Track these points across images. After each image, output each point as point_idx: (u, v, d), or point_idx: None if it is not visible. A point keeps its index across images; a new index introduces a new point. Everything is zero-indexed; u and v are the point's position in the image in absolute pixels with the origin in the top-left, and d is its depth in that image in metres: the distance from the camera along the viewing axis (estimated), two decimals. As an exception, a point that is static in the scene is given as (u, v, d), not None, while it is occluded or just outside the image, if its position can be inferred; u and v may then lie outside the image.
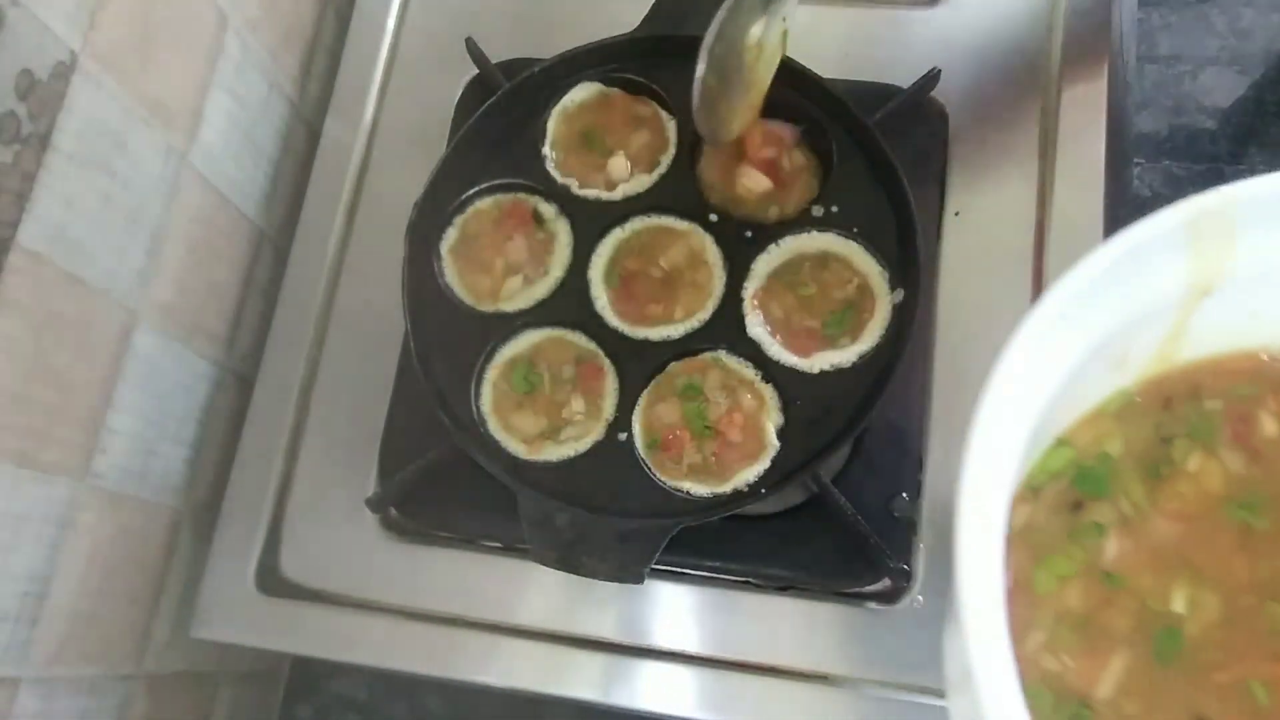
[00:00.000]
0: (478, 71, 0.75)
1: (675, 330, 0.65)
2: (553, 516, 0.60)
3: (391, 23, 0.81)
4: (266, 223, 0.78)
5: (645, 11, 0.70)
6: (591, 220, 0.68)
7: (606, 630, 0.65)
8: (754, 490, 0.62)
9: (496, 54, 0.74)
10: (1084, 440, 0.49)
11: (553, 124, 0.71)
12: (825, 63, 0.68)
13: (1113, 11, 0.72)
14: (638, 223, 0.68)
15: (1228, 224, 0.42)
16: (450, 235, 0.69)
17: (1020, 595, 0.46)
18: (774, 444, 0.63)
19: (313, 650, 0.67)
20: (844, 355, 0.64)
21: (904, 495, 0.63)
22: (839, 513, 0.62)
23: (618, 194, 0.69)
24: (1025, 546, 0.47)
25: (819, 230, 0.66)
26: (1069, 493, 0.48)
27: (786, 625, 0.63)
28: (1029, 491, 0.48)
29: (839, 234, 0.66)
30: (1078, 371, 0.45)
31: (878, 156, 0.66)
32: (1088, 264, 0.42)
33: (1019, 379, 0.43)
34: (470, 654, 0.65)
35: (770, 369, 0.64)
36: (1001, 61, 0.73)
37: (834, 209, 0.66)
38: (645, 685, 0.63)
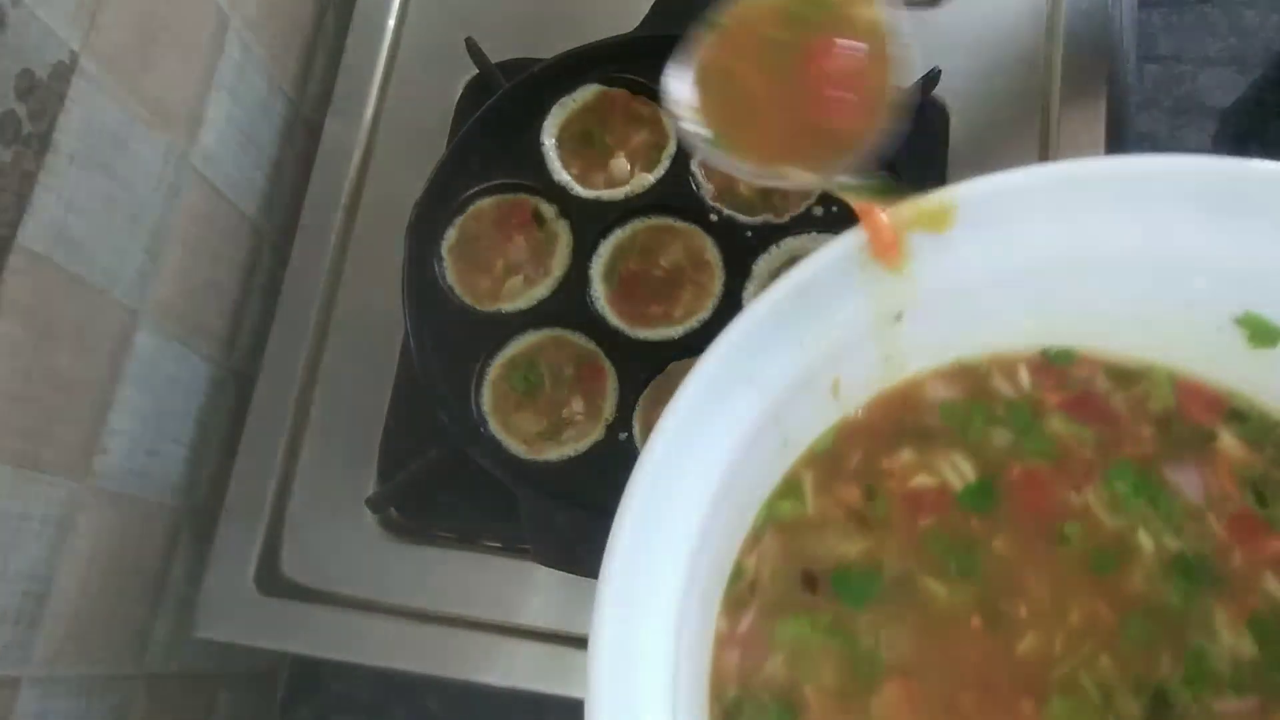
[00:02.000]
0: (478, 71, 0.75)
1: (675, 330, 0.65)
2: (553, 516, 0.60)
3: (391, 23, 0.81)
4: (266, 223, 0.78)
5: (645, 11, 0.70)
6: (592, 220, 0.68)
7: (606, 630, 0.65)
8: (754, 490, 0.62)
9: (496, 54, 0.74)
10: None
11: (553, 124, 0.71)
12: (825, 63, 0.68)
13: (1113, 11, 0.72)
14: (638, 223, 0.68)
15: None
16: (450, 235, 0.69)
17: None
18: (774, 444, 0.63)
19: (313, 650, 0.67)
20: (844, 355, 0.64)
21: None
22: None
23: (618, 194, 0.69)
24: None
25: (820, 231, 0.66)
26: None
27: (786, 625, 0.63)
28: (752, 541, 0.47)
29: (839, 234, 0.66)
30: (764, 426, 0.44)
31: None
32: (748, 317, 0.42)
33: (673, 465, 0.42)
34: (470, 654, 0.65)
35: (770, 369, 0.64)
36: (1001, 61, 0.73)
37: (834, 209, 0.66)
38: (645, 685, 0.63)
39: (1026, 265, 0.45)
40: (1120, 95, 0.71)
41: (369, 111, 0.79)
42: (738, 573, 0.46)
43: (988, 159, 0.71)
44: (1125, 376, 0.48)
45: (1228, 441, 0.47)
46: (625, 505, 0.40)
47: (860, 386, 0.48)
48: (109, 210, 0.60)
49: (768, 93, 0.42)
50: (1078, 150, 0.69)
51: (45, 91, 0.54)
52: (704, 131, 0.41)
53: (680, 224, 0.68)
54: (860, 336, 0.45)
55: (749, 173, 0.42)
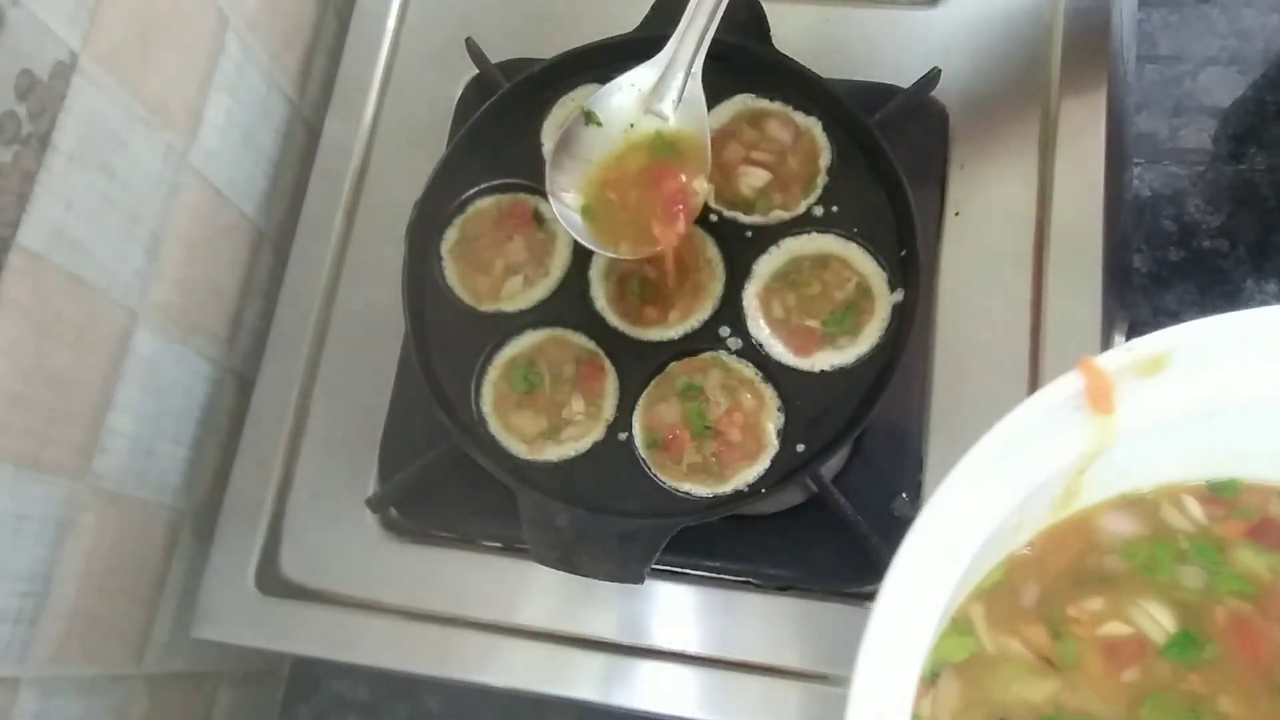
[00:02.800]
0: (478, 71, 0.75)
1: (675, 330, 0.65)
2: (553, 516, 0.60)
3: (391, 23, 0.81)
4: (266, 223, 0.78)
5: (645, 12, 0.70)
6: (591, 220, 0.68)
7: (606, 630, 0.65)
8: (754, 490, 0.62)
9: (496, 54, 0.74)
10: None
11: (553, 124, 0.71)
12: (825, 63, 0.68)
13: (1113, 11, 0.72)
14: (638, 223, 0.68)
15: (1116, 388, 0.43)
16: (450, 235, 0.69)
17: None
18: (774, 444, 0.63)
19: (313, 650, 0.67)
20: (844, 355, 0.64)
21: (904, 495, 0.63)
22: (839, 513, 0.62)
23: (618, 194, 0.69)
24: None
25: (819, 230, 0.66)
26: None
27: (786, 625, 0.63)
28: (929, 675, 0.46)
29: (839, 234, 0.66)
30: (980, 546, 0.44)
31: (878, 156, 0.66)
32: (990, 439, 0.42)
33: (931, 555, 0.42)
34: (470, 654, 0.65)
35: (770, 369, 0.64)
36: (1001, 61, 0.73)
37: (834, 209, 0.66)
38: (645, 685, 0.63)
39: (1218, 405, 0.44)
40: (1120, 95, 0.71)
41: (369, 111, 0.79)
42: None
43: (988, 159, 0.71)
44: None
45: None
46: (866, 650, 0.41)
47: (1034, 522, 0.48)
48: (108, 210, 0.60)
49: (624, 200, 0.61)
50: (1078, 150, 0.69)
51: (45, 91, 0.54)
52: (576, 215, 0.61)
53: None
54: (1057, 476, 0.45)
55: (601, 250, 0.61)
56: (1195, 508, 0.48)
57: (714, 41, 0.69)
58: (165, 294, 0.67)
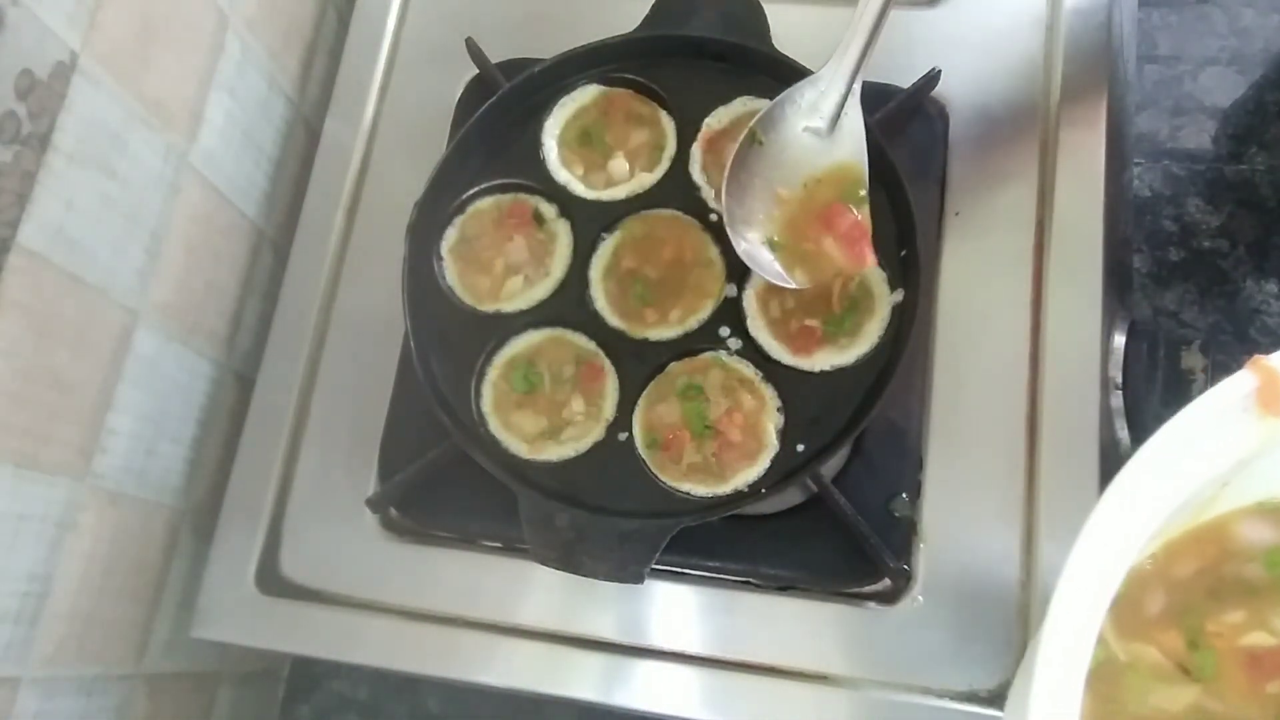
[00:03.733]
0: (478, 71, 0.75)
1: (675, 330, 0.65)
2: (553, 516, 0.60)
3: (391, 23, 0.81)
4: (266, 223, 0.78)
5: (645, 11, 0.70)
6: (592, 220, 0.68)
7: (606, 630, 0.65)
8: (754, 490, 0.62)
9: (496, 54, 0.74)
10: None
11: (552, 124, 0.71)
12: (825, 63, 0.68)
13: (1113, 11, 0.72)
14: (638, 223, 0.68)
15: None
16: (450, 235, 0.69)
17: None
18: (774, 444, 0.63)
19: (313, 650, 0.67)
20: (844, 355, 0.64)
21: (904, 495, 0.63)
22: (839, 513, 0.62)
23: (618, 194, 0.69)
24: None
25: (819, 230, 0.66)
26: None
27: (786, 625, 0.63)
28: None
29: (839, 234, 0.66)
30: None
31: (878, 156, 0.66)
32: (1165, 435, 0.42)
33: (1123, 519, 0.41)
34: (470, 654, 0.65)
35: (770, 369, 0.64)
36: (1001, 61, 0.73)
37: (834, 209, 0.66)
38: (645, 685, 0.63)
39: None
40: (1120, 95, 0.71)
41: (369, 111, 0.79)
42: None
43: (988, 159, 0.71)
44: None
45: None
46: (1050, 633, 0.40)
47: (1165, 531, 0.47)
48: (108, 210, 0.60)
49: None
50: (1078, 150, 0.69)
51: (45, 91, 0.54)
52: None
53: (680, 225, 0.68)
54: (1215, 480, 0.45)
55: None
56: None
57: (714, 41, 0.69)
58: (165, 294, 0.67)
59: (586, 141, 0.70)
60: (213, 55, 0.69)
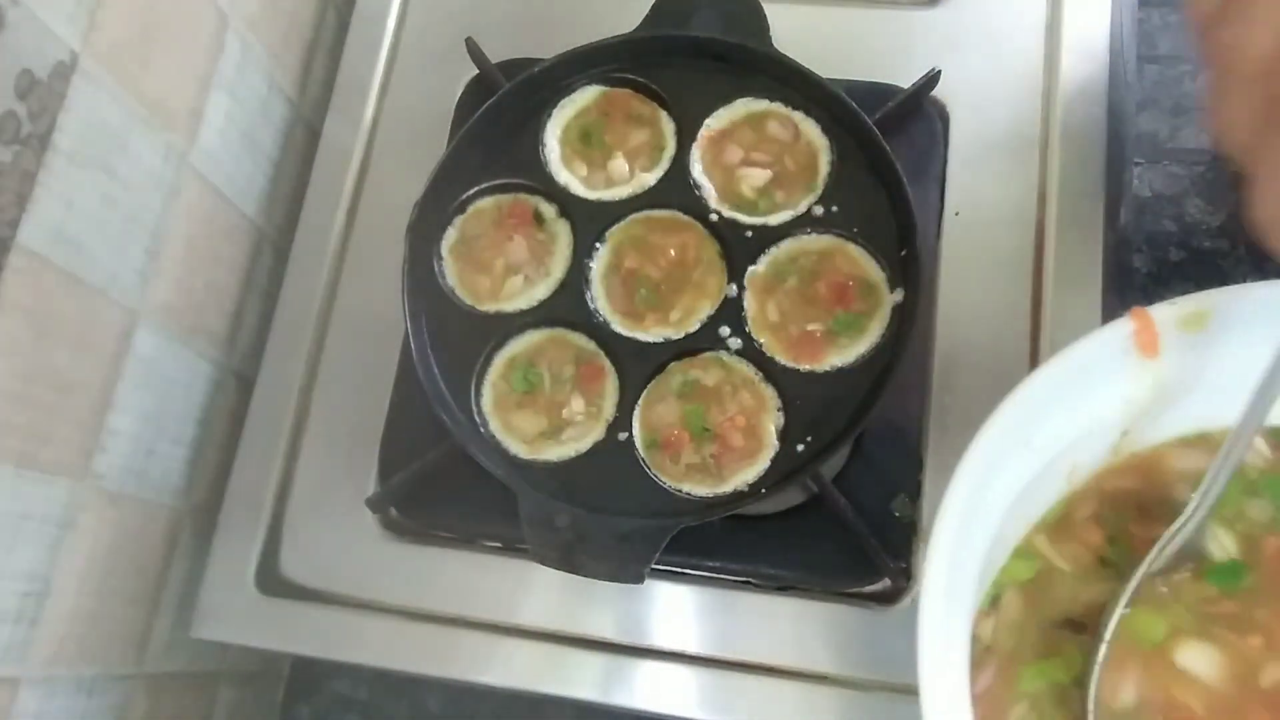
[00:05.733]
0: (478, 71, 0.75)
1: (675, 330, 0.65)
2: (553, 516, 0.60)
3: (391, 23, 0.81)
4: (266, 223, 0.78)
5: (645, 11, 0.70)
6: (592, 220, 0.68)
7: (606, 630, 0.65)
8: (754, 490, 0.62)
9: (496, 54, 0.74)
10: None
11: (553, 124, 0.71)
12: (825, 63, 0.68)
13: (1113, 11, 0.72)
14: (638, 222, 0.68)
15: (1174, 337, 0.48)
16: (450, 235, 0.69)
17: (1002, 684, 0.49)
18: (774, 444, 0.63)
19: (313, 650, 0.67)
20: (844, 355, 0.64)
21: (904, 495, 0.63)
22: (839, 513, 0.62)
23: (618, 194, 0.69)
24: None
25: (819, 230, 0.66)
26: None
27: (786, 625, 0.63)
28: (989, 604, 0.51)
29: (839, 234, 0.66)
30: (1031, 483, 0.48)
31: (878, 156, 0.66)
32: (1036, 379, 0.46)
33: (974, 496, 0.45)
34: (470, 654, 0.65)
35: (770, 369, 0.64)
36: (1001, 61, 0.73)
37: (834, 209, 0.66)
38: (645, 685, 0.63)
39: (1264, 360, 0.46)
40: (1120, 95, 0.71)
41: (369, 111, 0.79)
42: (973, 641, 0.49)
43: (988, 159, 0.71)
44: None
45: None
46: (932, 560, 0.44)
47: (1091, 463, 0.52)
48: (109, 210, 0.60)
49: None
50: (1078, 150, 0.69)
51: (45, 91, 0.54)
52: None
53: (680, 225, 0.68)
54: (1111, 419, 0.49)
55: None
56: (1263, 446, 0.51)
57: (714, 41, 0.69)
58: (165, 294, 0.67)
59: (587, 141, 0.70)
60: (213, 55, 0.69)
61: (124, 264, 0.62)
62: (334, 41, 0.84)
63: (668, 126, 0.70)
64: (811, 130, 0.68)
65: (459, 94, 0.77)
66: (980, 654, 0.48)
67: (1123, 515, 0.52)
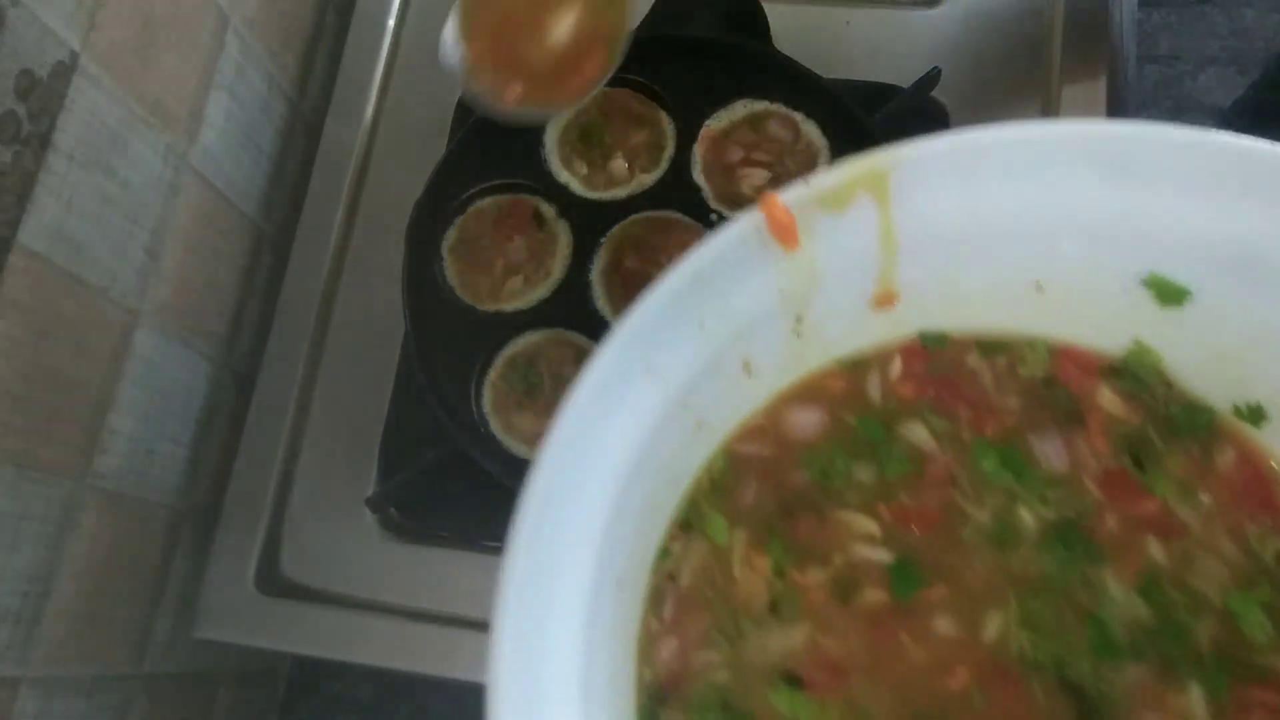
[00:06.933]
0: (478, 71, 0.75)
1: (675, 330, 0.65)
2: (553, 516, 0.60)
3: (391, 23, 0.81)
4: (266, 223, 0.78)
5: (645, 12, 0.70)
6: (592, 220, 0.68)
7: (606, 630, 0.65)
8: (754, 490, 0.62)
9: (496, 54, 0.74)
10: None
11: (553, 124, 0.71)
12: (825, 63, 0.68)
13: (1112, 11, 0.72)
14: (638, 223, 0.68)
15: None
16: (450, 235, 0.69)
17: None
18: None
19: (313, 650, 0.67)
20: (844, 355, 0.64)
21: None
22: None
23: (618, 194, 0.69)
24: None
25: (819, 230, 0.66)
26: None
27: (786, 625, 0.63)
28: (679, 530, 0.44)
29: (839, 234, 0.66)
30: (672, 413, 0.41)
31: (878, 156, 0.66)
32: (643, 307, 0.39)
33: (580, 452, 0.39)
34: (470, 654, 0.65)
35: (770, 369, 0.64)
36: (1001, 61, 0.73)
37: (834, 209, 0.66)
38: (645, 685, 0.63)
39: (919, 242, 0.42)
40: (1120, 95, 0.71)
41: (369, 111, 0.79)
42: (663, 556, 0.43)
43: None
44: (997, 349, 0.46)
45: (1106, 398, 0.45)
46: (523, 503, 0.38)
47: (773, 363, 0.45)
48: (109, 210, 0.60)
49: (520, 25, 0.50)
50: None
51: (45, 91, 0.54)
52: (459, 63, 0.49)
53: (680, 225, 0.68)
54: (768, 315, 0.43)
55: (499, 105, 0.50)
56: (897, 365, 0.46)
57: (714, 42, 0.69)
58: (165, 294, 0.67)
59: (587, 142, 0.70)
60: (213, 55, 0.69)
61: (124, 264, 0.62)
62: (334, 41, 0.84)
63: (668, 126, 0.70)
64: (811, 130, 0.68)
65: (459, 94, 0.77)
66: (663, 579, 0.42)
67: (774, 526, 0.44)
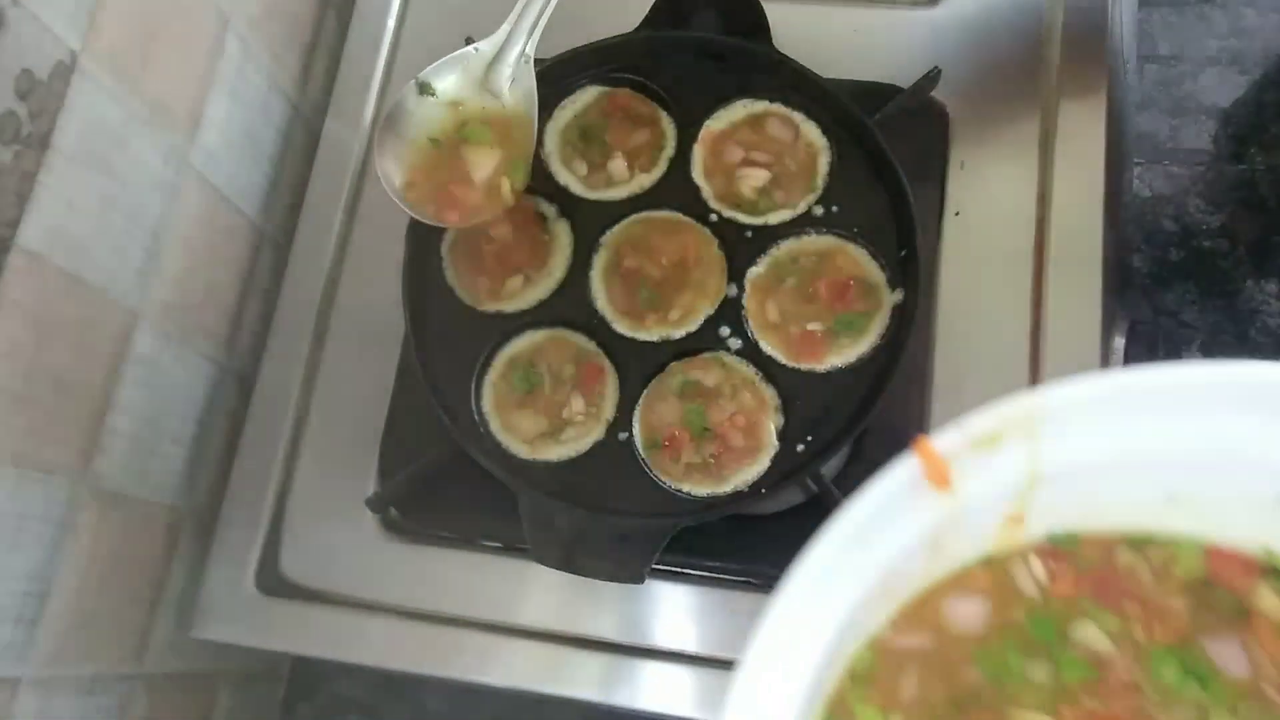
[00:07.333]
0: (478, 71, 0.75)
1: (675, 330, 0.65)
2: (553, 516, 0.60)
3: (391, 23, 0.81)
4: (266, 223, 0.78)
5: (645, 12, 0.70)
6: (592, 220, 0.68)
7: (606, 630, 0.65)
8: (754, 490, 0.62)
9: (496, 54, 0.74)
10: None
11: (553, 124, 0.71)
12: (825, 63, 0.68)
13: (1112, 11, 0.72)
14: (638, 222, 0.68)
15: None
16: (450, 235, 0.69)
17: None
18: (774, 444, 0.63)
19: (313, 650, 0.67)
20: (844, 355, 0.64)
21: (904, 495, 0.63)
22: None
23: (618, 194, 0.69)
24: None
25: (819, 231, 0.66)
26: None
27: (786, 625, 0.63)
28: None
29: (839, 234, 0.66)
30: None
31: (878, 156, 0.66)
32: (838, 525, 0.41)
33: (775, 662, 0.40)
34: (470, 654, 0.65)
35: (770, 369, 0.64)
36: (1001, 61, 0.73)
37: (834, 209, 0.66)
38: (645, 685, 0.63)
39: (1061, 471, 0.43)
40: (1120, 95, 0.71)
41: (369, 111, 0.79)
42: None
43: (988, 159, 0.71)
44: (1146, 543, 0.46)
45: (1267, 600, 0.44)
46: None
47: (908, 585, 0.46)
48: (109, 210, 0.60)
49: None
50: (1078, 150, 0.69)
51: (45, 91, 0.54)
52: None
53: (680, 225, 0.68)
54: (912, 549, 0.44)
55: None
56: (1038, 565, 0.46)
57: (714, 41, 0.69)
58: (165, 294, 0.67)
59: (586, 142, 0.70)
60: (213, 55, 0.69)
61: (124, 264, 0.62)
62: (334, 41, 0.84)
63: (668, 127, 0.70)
64: (811, 130, 0.68)
65: (459, 94, 0.77)
66: None
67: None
